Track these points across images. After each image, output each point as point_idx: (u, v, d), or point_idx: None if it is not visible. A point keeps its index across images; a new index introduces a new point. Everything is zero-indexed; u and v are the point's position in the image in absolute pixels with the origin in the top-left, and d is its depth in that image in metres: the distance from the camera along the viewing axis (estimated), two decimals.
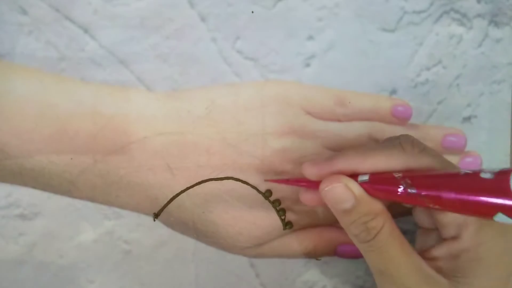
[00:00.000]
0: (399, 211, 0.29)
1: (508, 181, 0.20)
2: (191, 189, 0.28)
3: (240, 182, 0.29)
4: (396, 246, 0.24)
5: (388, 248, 0.24)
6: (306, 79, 0.31)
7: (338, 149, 0.30)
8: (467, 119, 0.34)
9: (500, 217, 0.21)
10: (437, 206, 0.23)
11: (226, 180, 0.29)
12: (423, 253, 0.26)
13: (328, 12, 0.31)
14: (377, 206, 0.25)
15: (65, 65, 0.28)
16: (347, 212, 0.25)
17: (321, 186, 0.25)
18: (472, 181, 0.22)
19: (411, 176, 0.23)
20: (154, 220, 0.30)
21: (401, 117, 0.31)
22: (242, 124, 0.29)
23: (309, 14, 0.31)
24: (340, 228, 0.31)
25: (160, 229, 0.30)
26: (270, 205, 0.30)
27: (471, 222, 0.24)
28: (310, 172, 0.26)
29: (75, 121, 0.27)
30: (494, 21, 0.34)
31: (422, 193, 0.23)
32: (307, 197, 0.27)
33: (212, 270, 0.31)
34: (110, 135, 0.27)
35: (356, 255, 0.30)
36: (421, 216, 0.27)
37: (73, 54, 0.28)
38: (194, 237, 0.30)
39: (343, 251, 0.31)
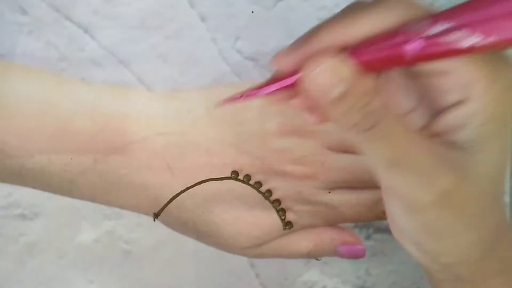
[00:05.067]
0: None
1: None
2: (191, 189, 0.28)
3: (240, 182, 0.29)
4: (402, 128, 0.20)
5: (395, 132, 0.20)
6: None
7: (339, 149, 0.30)
8: None
9: None
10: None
11: (226, 180, 0.29)
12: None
13: (328, 12, 0.31)
14: (374, 82, 0.19)
15: (65, 65, 0.28)
16: (340, 99, 0.19)
17: (301, 77, 0.19)
18: None
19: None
20: (154, 220, 0.30)
21: None
22: (242, 124, 0.29)
23: (309, 14, 0.31)
24: (340, 228, 0.31)
25: (160, 229, 0.30)
26: (270, 205, 0.30)
27: (481, 76, 0.19)
28: (284, 61, 0.20)
29: (75, 121, 0.27)
30: None
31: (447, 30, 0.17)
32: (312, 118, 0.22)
33: (212, 270, 0.31)
34: (110, 135, 0.27)
35: (356, 255, 0.30)
36: (403, 96, 0.22)
37: (73, 54, 0.29)
38: (194, 237, 0.30)
39: (343, 251, 0.31)
